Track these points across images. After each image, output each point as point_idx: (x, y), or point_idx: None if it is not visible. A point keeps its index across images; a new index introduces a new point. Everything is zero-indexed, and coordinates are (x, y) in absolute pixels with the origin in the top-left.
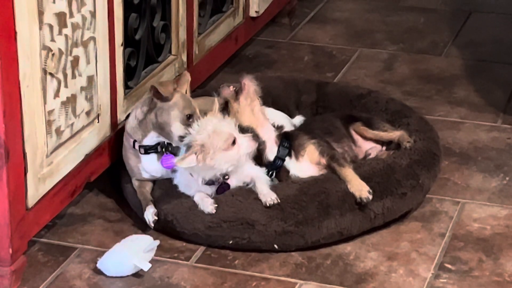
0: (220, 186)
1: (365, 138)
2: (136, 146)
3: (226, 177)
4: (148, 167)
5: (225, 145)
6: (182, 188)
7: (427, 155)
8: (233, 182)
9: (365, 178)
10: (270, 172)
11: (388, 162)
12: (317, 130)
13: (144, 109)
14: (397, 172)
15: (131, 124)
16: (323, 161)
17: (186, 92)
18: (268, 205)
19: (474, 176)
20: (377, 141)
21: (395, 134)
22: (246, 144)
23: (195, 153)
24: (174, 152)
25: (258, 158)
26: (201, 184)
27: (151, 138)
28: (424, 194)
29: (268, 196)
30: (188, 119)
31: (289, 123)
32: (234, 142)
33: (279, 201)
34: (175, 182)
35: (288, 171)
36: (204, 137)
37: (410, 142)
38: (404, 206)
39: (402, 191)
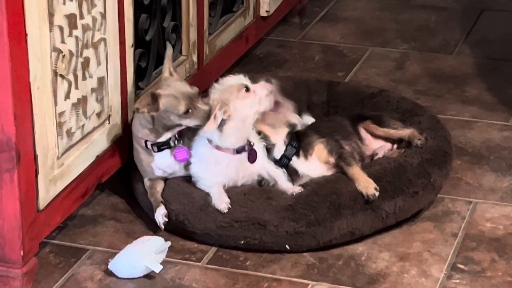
0: (250, 153)
1: (375, 136)
2: (149, 146)
3: (252, 143)
4: (161, 163)
5: (239, 92)
6: (204, 174)
7: (438, 153)
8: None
9: (376, 177)
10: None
11: (399, 161)
12: (325, 129)
13: (148, 119)
14: (408, 171)
15: (141, 131)
16: (332, 160)
17: (170, 71)
18: (294, 194)
19: (486, 175)
20: (387, 139)
21: (405, 132)
22: (260, 87)
23: (219, 110)
24: (187, 144)
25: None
26: (232, 154)
27: (166, 137)
28: (436, 193)
29: (293, 189)
30: (186, 113)
31: (299, 123)
32: (248, 89)
33: (303, 190)
34: (193, 171)
35: (296, 170)
36: (218, 95)
37: (421, 139)
38: (416, 205)
39: (414, 190)
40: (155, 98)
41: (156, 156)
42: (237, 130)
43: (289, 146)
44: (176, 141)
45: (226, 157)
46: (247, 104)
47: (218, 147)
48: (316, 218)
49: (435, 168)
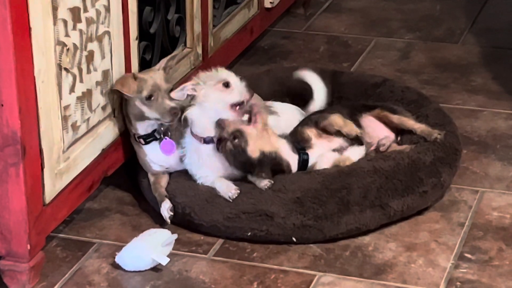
0: (218, 142)
1: (386, 123)
2: (136, 138)
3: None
4: (154, 157)
5: (217, 84)
6: (195, 169)
7: (450, 151)
8: None
9: (390, 174)
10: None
11: (413, 157)
12: (310, 116)
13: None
14: (421, 170)
15: (127, 121)
16: (316, 131)
17: (160, 66)
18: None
19: (492, 164)
20: (391, 129)
21: (417, 125)
22: (238, 92)
23: (191, 85)
24: (173, 136)
25: (281, 171)
26: (200, 143)
27: (142, 127)
28: (443, 191)
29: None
30: (149, 99)
31: (300, 114)
32: (228, 85)
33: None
34: (187, 167)
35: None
36: (201, 75)
37: (441, 134)
38: (423, 203)
39: (423, 189)
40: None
41: (147, 150)
42: (204, 117)
43: (302, 159)
44: (162, 134)
45: (202, 147)
46: (217, 97)
47: (193, 134)
48: (324, 212)
49: (446, 167)
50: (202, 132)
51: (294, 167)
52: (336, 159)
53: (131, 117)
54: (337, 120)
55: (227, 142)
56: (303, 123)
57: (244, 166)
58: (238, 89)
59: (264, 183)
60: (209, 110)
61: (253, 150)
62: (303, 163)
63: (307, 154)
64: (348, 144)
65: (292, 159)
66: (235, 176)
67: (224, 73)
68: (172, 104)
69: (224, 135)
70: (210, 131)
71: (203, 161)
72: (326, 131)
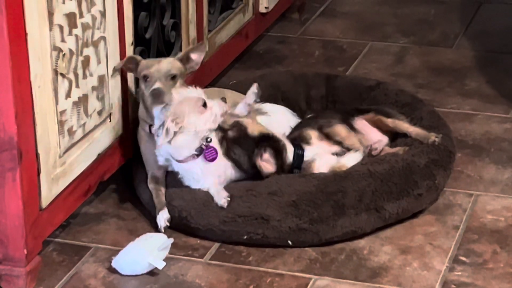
0: (208, 151)
1: (380, 127)
2: (153, 131)
3: (209, 139)
4: (163, 150)
5: (196, 107)
6: (193, 185)
7: (444, 153)
8: None
9: (385, 177)
10: (295, 171)
11: (407, 161)
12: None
13: (142, 96)
14: (415, 173)
15: (141, 109)
16: (325, 133)
17: (181, 56)
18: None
19: (487, 168)
20: (385, 133)
21: (412, 128)
22: (217, 105)
23: (171, 121)
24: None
25: (279, 162)
26: (194, 159)
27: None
28: (438, 194)
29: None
30: (145, 80)
31: (292, 115)
32: (205, 105)
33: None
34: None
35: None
36: (174, 106)
37: (438, 137)
38: (418, 206)
39: (418, 192)
40: (135, 61)
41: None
42: (188, 142)
43: (295, 154)
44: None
45: (195, 162)
46: (202, 119)
47: (179, 161)
48: (319, 215)
49: (440, 169)
50: (186, 154)
51: (290, 155)
52: (332, 166)
53: (147, 103)
54: (341, 130)
55: (228, 132)
56: (306, 123)
57: (247, 148)
58: (215, 105)
59: (223, 201)
60: (196, 134)
61: (253, 130)
62: (298, 157)
63: (302, 149)
64: (345, 150)
65: (288, 144)
66: (235, 177)
67: (191, 91)
68: (157, 85)
69: (225, 127)
70: (194, 149)
71: (201, 172)
72: (328, 137)
